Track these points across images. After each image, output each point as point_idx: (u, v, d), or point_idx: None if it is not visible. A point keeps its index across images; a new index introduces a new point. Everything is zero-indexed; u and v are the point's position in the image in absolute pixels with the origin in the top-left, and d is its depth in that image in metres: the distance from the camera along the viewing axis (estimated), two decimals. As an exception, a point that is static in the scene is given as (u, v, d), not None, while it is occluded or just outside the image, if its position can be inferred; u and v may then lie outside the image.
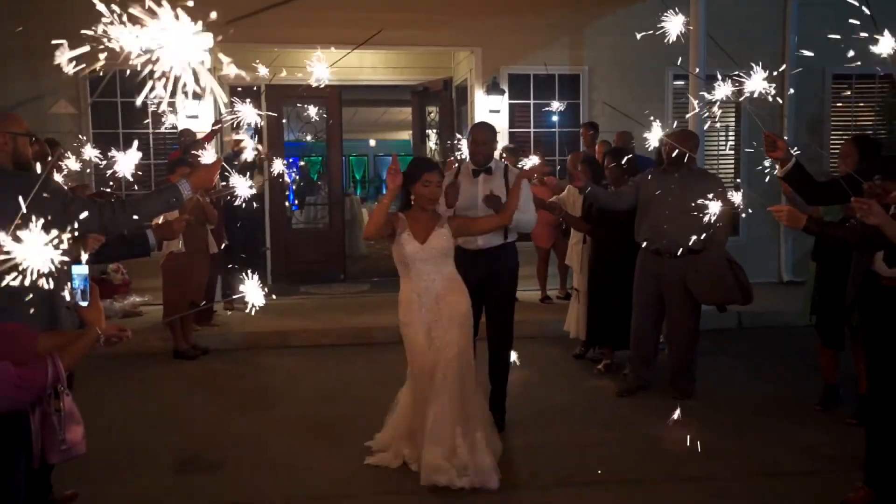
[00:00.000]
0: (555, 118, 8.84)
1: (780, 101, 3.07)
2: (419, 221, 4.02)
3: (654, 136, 4.12)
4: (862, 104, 9.62)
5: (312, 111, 8.21)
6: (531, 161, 5.83)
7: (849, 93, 9.48)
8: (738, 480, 4.03)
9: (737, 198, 4.50)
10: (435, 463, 3.83)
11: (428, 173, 3.99)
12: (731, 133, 9.55)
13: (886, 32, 2.66)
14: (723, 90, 3.34)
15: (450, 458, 3.84)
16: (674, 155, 5.08)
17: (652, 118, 4.17)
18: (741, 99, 3.13)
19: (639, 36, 3.75)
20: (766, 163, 3.86)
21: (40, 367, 2.53)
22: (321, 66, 3.19)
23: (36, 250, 1.73)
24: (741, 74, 3.13)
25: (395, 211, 4.07)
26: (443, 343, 3.95)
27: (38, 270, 1.75)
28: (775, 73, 3.12)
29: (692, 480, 4.03)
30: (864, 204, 3.14)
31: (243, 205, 3.88)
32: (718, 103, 3.39)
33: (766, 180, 4.34)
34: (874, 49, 2.70)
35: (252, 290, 2.75)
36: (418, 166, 4.10)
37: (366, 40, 3.00)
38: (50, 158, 3.84)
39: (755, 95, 3.11)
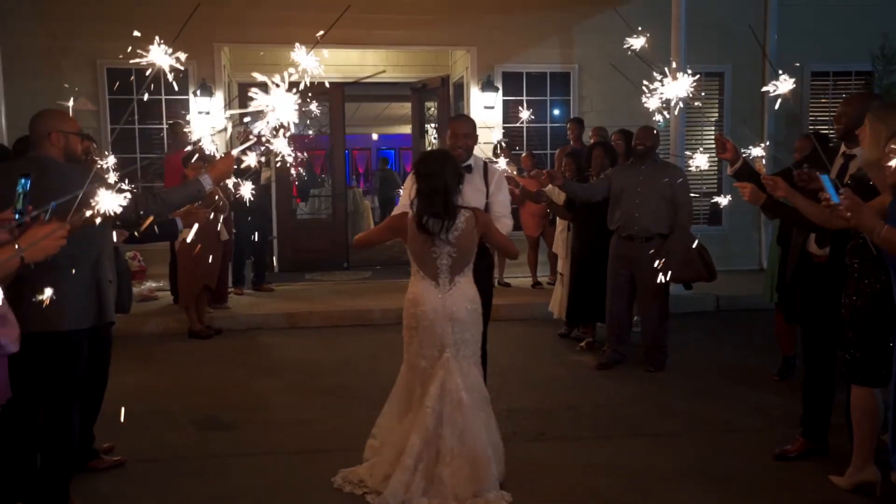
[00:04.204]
0: (556, 112, 9.48)
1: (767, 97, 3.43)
2: None
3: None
4: (841, 100, 10.07)
5: (314, 107, 8.66)
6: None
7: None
8: (694, 436, 4.56)
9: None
10: None
11: None
12: (714, 128, 10.05)
13: (784, 76, 3.09)
14: (673, 88, 3.65)
15: None
16: (639, 149, 5.63)
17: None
18: (673, 103, 3.50)
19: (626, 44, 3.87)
20: (755, 150, 3.92)
21: None
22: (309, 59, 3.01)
23: (110, 197, 2.60)
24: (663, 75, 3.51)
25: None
26: None
27: (108, 211, 2.58)
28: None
29: (653, 436, 4.56)
30: (769, 180, 3.65)
31: (251, 199, 4.22)
32: (675, 99, 3.67)
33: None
34: (774, 89, 3.11)
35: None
36: None
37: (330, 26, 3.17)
38: (92, 155, 4.35)
39: (683, 97, 3.47)
